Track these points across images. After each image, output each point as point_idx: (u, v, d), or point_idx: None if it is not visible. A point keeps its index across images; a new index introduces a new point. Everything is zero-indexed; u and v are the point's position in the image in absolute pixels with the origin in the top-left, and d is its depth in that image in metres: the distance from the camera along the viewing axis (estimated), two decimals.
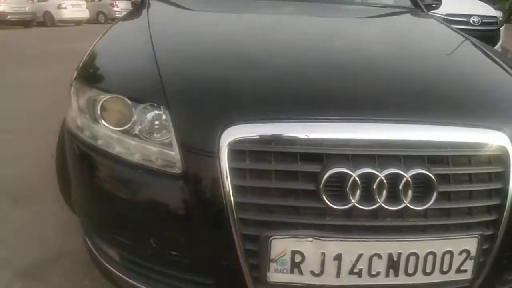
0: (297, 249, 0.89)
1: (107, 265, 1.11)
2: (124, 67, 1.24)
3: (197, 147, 0.94)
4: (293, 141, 0.91)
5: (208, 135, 0.92)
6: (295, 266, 0.91)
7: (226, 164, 0.89)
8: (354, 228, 0.91)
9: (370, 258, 0.91)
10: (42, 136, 2.87)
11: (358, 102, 1.00)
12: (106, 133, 1.07)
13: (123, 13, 13.95)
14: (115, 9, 19.37)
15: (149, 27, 1.44)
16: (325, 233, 0.90)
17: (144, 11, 1.74)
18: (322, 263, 0.90)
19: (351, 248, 0.91)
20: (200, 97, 1.03)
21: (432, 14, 2.22)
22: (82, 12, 17.79)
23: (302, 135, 0.91)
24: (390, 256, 0.91)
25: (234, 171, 0.89)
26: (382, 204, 0.89)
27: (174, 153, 0.97)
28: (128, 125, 1.04)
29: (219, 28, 1.60)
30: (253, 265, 0.92)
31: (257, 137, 0.91)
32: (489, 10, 6.01)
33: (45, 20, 16.97)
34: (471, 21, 5.40)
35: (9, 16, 14.68)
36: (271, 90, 1.05)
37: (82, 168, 1.13)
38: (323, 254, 0.90)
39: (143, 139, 1.02)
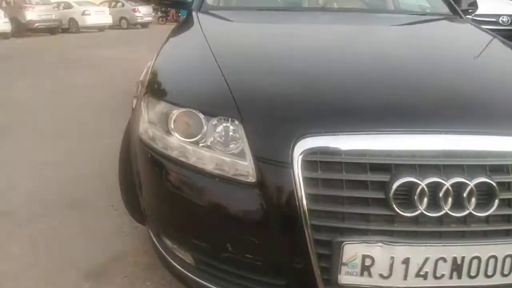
0: (367, 253, 0.96)
1: (179, 267, 1.19)
2: (192, 81, 1.32)
3: (272, 158, 1.01)
4: (363, 153, 0.97)
5: (282, 147, 0.99)
6: (365, 269, 0.97)
7: (300, 174, 0.96)
8: (420, 234, 0.97)
9: (436, 262, 0.96)
10: (89, 141, 3.02)
11: (423, 114, 1.05)
12: (179, 144, 1.15)
13: (145, 19, 14.26)
14: (137, 14, 19.75)
15: (207, 42, 1.53)
16: (394, 238, 0.96)
17: (196, 25, 1.83)
18: (391, 266, 0.96)
19: (418, 252, 0.96)
20: (272, 110, 1.10)
21: (468, 19, 2.25)
22: (106, 18, 18.20)
23: (371, 147, 0.98)
24: (454, 259, 0.96)
25: (307, 180, 0.96)
26: (448, 211, 0.94)
27: (247, 163, 1.05)
28: (199, 136, 1.12)
29: (273, 40, 1.68)
30: (324, 268, 0.98)
31: (329, 148, 0.97)
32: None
33: (70, 27, 17.43)
34: (500, 21, 5.34)
35: (37, 24, 15.14)
36: (339, 103, 1.11)
37: (158, 176, 1.21)
38: (392, 258, 0.96)
39: (215, 150, 1.10)
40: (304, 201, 0.96)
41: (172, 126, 1.18)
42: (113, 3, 20.78)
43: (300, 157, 0.97)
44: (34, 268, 1.65)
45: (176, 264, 1.21)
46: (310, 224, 0.96)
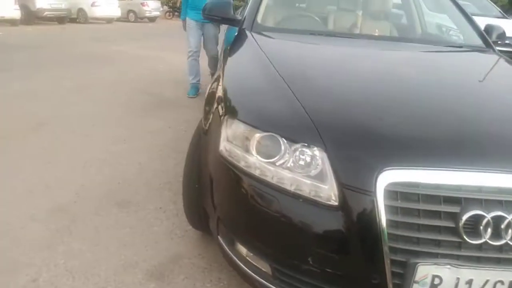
0: (437, 273, 1.11)
1: (255, 275, 1.34)
2: (268, 104, 1.46)
3: (355, 186, 1.15)
4: (437, 186, 1.12)
5: (365, 177, 1.14)
6: (433, 287, 1.12)
7: (381, 201, 1.11)
8: (483, 259, 1.12)
9: (495, 284, 1.12)
10: (122, 142, 3.15)
11: (489, 155, 1.21)
12: (259, 164, 1.29)
13: (153, 13, 14.28)
14: (145, 8, 19.80)
15: (272, 64, 1.69)
16: (460, 262, 1.11)
17: (254, 46, 1.99)
18: (456, 285, 1.12)
19: (480, 275, 1.12)
20: (355, 142, 1.24)
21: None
22: (115, 10, 18.21)
23: (445, 181, 1.13)
24: (510, 283, 1.12)
25: (388, 207, 1.11)
26: (508, 241, 1.10)
27: (327, 187, 1.19)
28: (278, 157, 1.27)
29: (334, 65, 1.84)
30: (398, 284, 1.13)
31: (408, 181, 1.13)
32: None
33: (78, 17, 17.42)
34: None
35: (46, 13, 15.15)
36: (418, 140, 1.26)
37: (239, 191, 1.35)
38: (457, 279, 1.11)
39: (295, 172, 1.24)
40: (384, 226, 1.11)
41: (253, 147, 1.32)
42: None
43: (383, 187, 1.12)
44: (99, 266, 1.78)
45: (252, 273, 1.35)
46: (388, 246, 1.11)
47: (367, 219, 1.13)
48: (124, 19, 19.31)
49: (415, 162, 1.17)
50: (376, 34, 2.42)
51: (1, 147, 2.98)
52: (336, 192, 1.17)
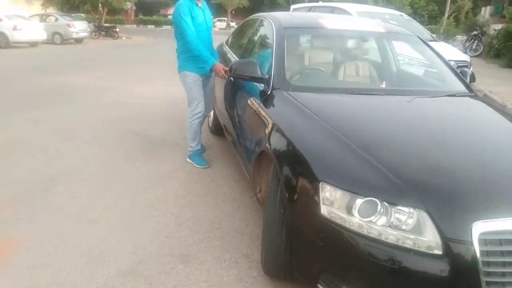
0: None
1: None
2: (354, 168, 1.78)
3: (454, 237, 1.52)
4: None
5: (462, 229, 1.52)
6: None
7: (477, 247, 1.50)
8: None
9: None
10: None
11: None
12: (364, 224, 1.62)
13: (80, 34, 14.04)
14: (72, 29, 19.02)
15: (332, 127, 2.05)
16: None
17: (301, 107, 2.32)
18: None
19: None
20: (449, 199, 1.61)
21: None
22: (40, 33, 17.25)
23: None
24: None
25: (482, 252, 1.50)
26: None
27: (427, 239, 1.55)
28: (375, 217, 1.61)
29: (385, 123, 2.23)
30: None
31: (499, 230, 1.53)
32: (459, 55, 7.05)
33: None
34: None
35: None
36: (494, 192, 1.66)
37: (349, 247, 1.65)
38: None
39: (396, 228, 1.59)
40: (481, 267, 1.49)
41: (356, 210, 1.65)
42: (45, 17, 19.80)
43: (477, 236, 1.50)
44: None
45: None
46: (485, 281, 1.49)
47: (467, 264, 1.51)
48: (49, 41, 18.37)
49: (503, 213, 1.56)
50: (383, 86, 2.86)
51: (28, 211, 2.95)
52: (440, 243, 1.53)
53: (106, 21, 29.85)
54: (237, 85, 3.30)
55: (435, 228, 1.55)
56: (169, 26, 41.51)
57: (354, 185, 1.72)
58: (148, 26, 43.17)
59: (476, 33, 15.89)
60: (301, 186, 1.91)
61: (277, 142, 2.24)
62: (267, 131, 2.42)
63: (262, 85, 2.78)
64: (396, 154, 1.89)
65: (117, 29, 23.47)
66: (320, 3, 9.81)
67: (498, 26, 15.70)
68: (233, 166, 3.86)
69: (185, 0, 3.55)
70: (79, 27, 19.43)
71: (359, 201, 1.66)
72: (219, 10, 48.44)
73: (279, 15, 3.45)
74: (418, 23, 8.11)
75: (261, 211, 2.88)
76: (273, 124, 2.38)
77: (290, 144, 2.10)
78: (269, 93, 2.64)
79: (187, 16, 3.52)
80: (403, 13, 8.16)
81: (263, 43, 3.46)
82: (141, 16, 47.37)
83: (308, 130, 2.14)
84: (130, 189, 3.35)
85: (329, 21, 3.22)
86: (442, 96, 2.70)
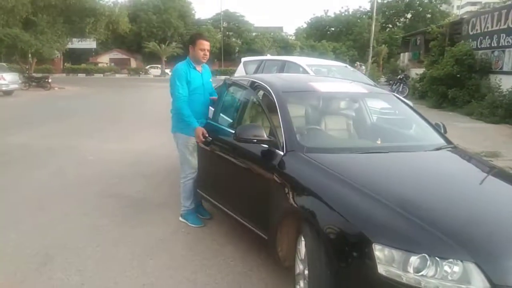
0: None
1: None
2: (402, 226, 1.97)
3: (501, 283, 1.75)
4: None
5: (509, 274, 1.76)
6: None
7: None
8: None
9: None
10: None
11: None
12: (420, 279, 1.81)
13: (11, 86, 13.47)
14: (1, 82, 17.97)
15: (363, 188, 2.24)
16: None
17: (316, 165, 2.53)
18: None
19: None
20: (491, 250, 1.84)
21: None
22: None
23: None
24: None
25: None
26: None
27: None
28: (427, 270, 1.81)
29: (404, 179, 2.49)
30: None
31: None
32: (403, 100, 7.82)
33: None
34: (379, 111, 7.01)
35: None
36: None
37: None
38: None
39: (446, 279, 1.79)
40: None
41: (411, 267, 1.84)
42: None
43: None
44: None
45: None
46: None
47: None
48: None
49: None
50: (379, 143, 3.15)
51: None
52: None
53: (34, 71, 28.64)
54: (232, 151, 3.38)
55: (483, 276, 1.77)
56: (101, 75, 40.97)
57: (406, 243, 1.90)
58: (79, 74, 42.06)
59: (401, 77, 17.63)
60: (350, 247, 2.05)
61: (310, 204, 2.38)
62: (291, 194, 2.56)
63: (267, 147, 2.93)
64: (431, 209, 2.12)
65: (50, 80, 22.58)
66: (269, 56, 10.40)
67: (418, 71, 17.59)
68: (225, 223, 3.85)
69: (182, 64, 3.70)
70: (8, 78, 18.43)
71: (413, 258, 1.84)
72: (153, 57, 48.66)
73: (270, 79, 3.68)
74: (360, 73, 8.90)
75: (278, 270, 2.97)
76: (299, 186, 2.53)
77: (327, 206, 2.24)
78: (283, 155, 2.79)
79: (182, 80, 3.64)
80: (347, 65, 8.91)
81: (256, 107, 3.65)
82: (69, 65, 46.11)
83: (341, 191, 2.30)
84: (134, 258, 3.25)
85: (321, 85, 3.52)
86: (435, 149, 3.03)
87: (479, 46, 13.48)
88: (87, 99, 17.97)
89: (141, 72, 45.30)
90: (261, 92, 3.59)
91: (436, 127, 3.45)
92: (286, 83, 3.70)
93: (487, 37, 13.03)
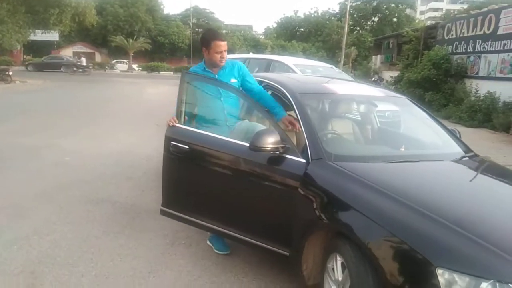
0: None
1: None
2: (467, 249, 1.77)
3: None
4: None
5: None
6: None
7: None
8: None
9: None
10: None
11: None
12: None
13: None
14: None
15: (403, 200, 2.05)
16: None
17: (351, 176, 2.32)
18: None
19: None
20: None
21: None
22: None
23: None
24: None
25: None
26: None
27: None
28: None
29: (443, 191, 2.31)
30: None
31: None
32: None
33: None
34: (386, 115, 6.97)
35: None
36: None
37: None
38: None
39: None
40: None
41: None
42: None
43: None
44: None
45: None
46: None
47: None
48: None
49: None
50: (403, 150, 2.98)
51: None
52: None
53: None
54: (231, 162, 2.92)
55: None
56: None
57: (474, 267, 1.71)
58: None
59: (375, 79, 17.83)
60: (406, 271, 1.85)
61: (351, 221, 2.15)
62: (322, 207, 2.33)
63: (279, 155, 2.62)
64: (490, 227, 1.95)
65: (11, 73, 21.29)
66: (253, 55, 10.13)
67: (391, 73, 17.85)
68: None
69: (195, 68, 3.37)
70: None
71: (484, 285, 1.66)
72: (120, 52, 47.18)
73: (281, 79, 3.43)
74: (346, 74, 8.81)
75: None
76: (334, 200, 2.29)
77: (374, 223, 2.02)
78: (308, 164, 2.55)
79: None
80: (333, 66, 8.80)
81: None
82: (30, 57, 43.92)
83: (388, 206, 2.07)
84: (136, 275, 2.92)
85: (337, 86, 3.30)
86: (461, 158, 2.88)
87: (454, 51, 13.81)
88: (53, 94, 17.01)
89: (106, 67, 43.69)
90: (273, 94, 3.33)
91: (453, 133, 3.32)
92: (301, 84, 3.46)
93: (463, 42, 13.36)
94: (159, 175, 5.37)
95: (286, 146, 2.64)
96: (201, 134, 3.02)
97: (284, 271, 2.95)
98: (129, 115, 11.05)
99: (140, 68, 44.34)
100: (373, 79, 18.14)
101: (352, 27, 55.80)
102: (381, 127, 3.37)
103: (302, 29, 59.71)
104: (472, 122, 10.88)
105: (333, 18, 56.78)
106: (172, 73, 42.67)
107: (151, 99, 16.14)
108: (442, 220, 1.93)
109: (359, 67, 29.87)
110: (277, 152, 2.62)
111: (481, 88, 11.80)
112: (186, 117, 3.22)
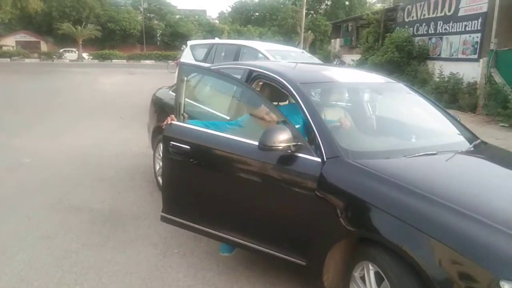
0: None
1: None
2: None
3: None
4: None
5: None
6: None
7: None
8: None
9: None
10: None
11: None
12: None
13: None
14: None
15: (443, 201, 1.87)
16: None
17: (378, 176, 2.11)
18: None
19: None
20: None
21: None
22: None
23: None
24: None
25: None
26: None
27: None
28: None
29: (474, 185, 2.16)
30: None
31: None
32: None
33: None
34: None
35: None
36: None
37: None
38: None
39: None
40: None
41: None
42: None
43: None
44: None
45: None
46: None
47: None
48: None
49: None
50: (414, 141, 2.79)
51: None
52: None
53: None
54: (233, 162, 2.64)
55: None
56: (7, 59, 36.39)
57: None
58: None
59: (337, 62, 17.87)
60: (462, 285, 1.65)
61: (386, 228, 1.92)
62: (347, 212, 2.10)
63: (290, 153, 2.36)
64: None
65: None
66: (220, 40, 9.71)
67: (352, 57, 17.93)
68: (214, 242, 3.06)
69: None
70: None
71: None
72: (68, 40, 44.61)
73: (276, 68, 3.12)
74: (317, 58, 8.63)
75: None
76: (361, 204, 2.06)
77: (417, 230, 1.80)
78: (324, 163, 2.29)
79: None
80: (304, 51, 8.58)
81: (256, 103, 3.01)
82: None
83: (428, 210, 1.85)
84: None
85: (336, 74, 3.06)
86: (473, 147, 2.73)
87: (415, 33, 14.02)
88: None
89: (54, 56, 41.10)
90: (266, 85, 3.04)
91: (456, 118, 3.19)
92: (300, 72, 3.18)
93: (424, 24, 13.57)
94: (134, 174, 5.06)
95: (299, 143, 2.37)
96: (203, 132, 2.69)
97: (292, 279, 2.73)
98: (86, 108, 10.29)
99: (91, 57, 42.15)
100: (334, 62, 18.18)
101: (306, 11, 55.90)
102: (386, 117, 3.16)
103: (257, 14, 59.04)
104: (439, 104, 11.03)
105: (287, 1, 56.53)
106: (125, 61, 40.97)
107: (106, 90, 15.25)
108: (490, 222, 1.74)
109: (319, 51, 29.92)
110: (289, 151, 2.36)
111: (445, 69, 12.05)
112: (185, 114, 2.87)
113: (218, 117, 3.25)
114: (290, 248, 2.43)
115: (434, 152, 2.50)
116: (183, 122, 2.84)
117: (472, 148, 2.73)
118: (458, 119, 3.24)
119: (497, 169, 2.56)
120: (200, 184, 2.79)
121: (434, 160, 2.42)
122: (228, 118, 3.13)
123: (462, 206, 1.84)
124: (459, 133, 2.97)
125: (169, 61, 27.57)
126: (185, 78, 2.93)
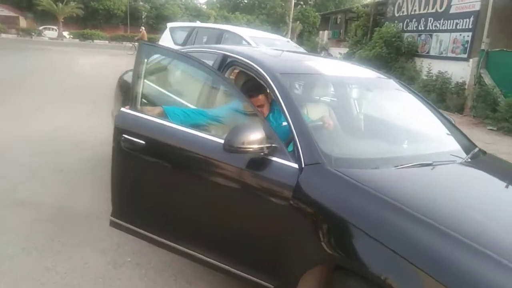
0: None
1: None
2: None
3: None
4: None
5: None
6: None
7: None
8: None
9: None
10: None
11: None
12: None
13: None
14: None
15: (445, 229, 1.53)
16: None
17: (364, 190, 1.75)
18: None
19: None
20: None
21: None
22: None
23: None
24: None
25: None
26: None
27: None
28: None
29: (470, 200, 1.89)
30: None
31: None
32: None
33: None
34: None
35: None
36: None
37: None
38: None
39: None
40: None
41: None
42: None
43: None
44: None
45: None
46: None
47: None
48: None
49: None
50: (405, 147, 2.44)
51: None
52: None
53: None
54: (194, 163, 2.24)
55: None
56: None
57: None
58: None
59: (324, 54, 17.51)
60: None
61: (369, 254, 1.57)
62: (324, 232, 1.75)
63: (263, 156, 1.98)
64: None
65: None
66: (201, 24, 9.21)
67: (339, 50, 17.59)
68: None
69: None
70: None
71: None
72: (47, 17, 43.02)
73: (252, 53, 2.71)
74: (303, 49, 8.24)
75: None
76: (341, 224, 1.70)
77: (407, 262, 1.45)
78: (301, 171, 1.91)
79: None
80: (290, 40, 8.19)
81: (229, 96, 2.65)
82: None
83: (423, 239, 1.50)
84: None
85: (322, 66, 2.67)
86: (471, 158, 2.39)
87: (405, 29, 13.70)
88: None
89: (33, 34, 39.62)
90: (242, 73, 2.64)
91: (451, 121, 2.85)
92: (280, 61, 2.77)
93: (414, 20, 13.26)
94: (95, 166, 4.58)
95: (273, 145, 1.98)
96: (161, 125, 2.28)
97: None
98: (58, 90, 9.66)
99: (71, 36, 40.76)
100: (321, 55, 17.80)
101: (296, 1, 55.33)
102: (375, 117, 2.80)
103: (246, 1, 58.19)
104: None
105: None
106: (107, 42, 39.77)
107: (84, 71, 14.52)
108: (499, 257, 1.40)
109: (306, 43, 29.49)
110: (261, 153, 1.97)
111: (433, 67, 11.78)
112: (143, 100, 2.45)
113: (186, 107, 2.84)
114: (258, 269, 2.06)
115: (430, 162, 2.15)
116: (140, 111, 2.40)
117: (470, 159, 2.38)
118: (453, 122, 2.91)
119: (501, 187, 2.23)
120: (155, 187, 2.38)
121: (431, 173, 2.07)
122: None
123: (465, 235, 1.50)
124: (455, 139, 2.62)
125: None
126: (146, 60, 2.50)
